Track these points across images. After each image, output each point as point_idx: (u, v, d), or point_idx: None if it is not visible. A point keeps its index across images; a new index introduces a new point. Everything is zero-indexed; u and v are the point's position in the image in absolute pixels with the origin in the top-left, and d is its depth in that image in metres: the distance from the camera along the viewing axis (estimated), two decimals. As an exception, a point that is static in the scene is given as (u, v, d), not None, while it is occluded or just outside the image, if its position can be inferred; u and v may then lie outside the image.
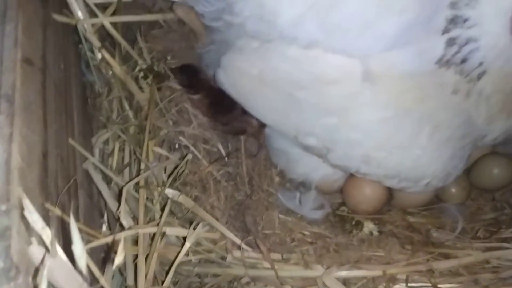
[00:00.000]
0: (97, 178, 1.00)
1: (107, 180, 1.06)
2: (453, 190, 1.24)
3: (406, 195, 1.20)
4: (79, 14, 1.12)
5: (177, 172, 1.04)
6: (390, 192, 1.22)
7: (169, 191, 0.98)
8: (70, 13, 1.14)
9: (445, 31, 0.90)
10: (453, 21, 0.89)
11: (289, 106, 1.01)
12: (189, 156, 1.06)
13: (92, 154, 1.09)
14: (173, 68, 1.21)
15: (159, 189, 0.99)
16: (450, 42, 0.90)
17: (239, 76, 1.05)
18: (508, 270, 0.96)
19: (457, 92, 0.93)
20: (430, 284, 0.94)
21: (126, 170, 1.09)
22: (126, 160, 1.11)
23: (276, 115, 1.06)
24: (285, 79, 0.99)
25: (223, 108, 1.17)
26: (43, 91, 0.80)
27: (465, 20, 0.88)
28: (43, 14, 0.98)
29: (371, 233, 1.16)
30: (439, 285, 0.93)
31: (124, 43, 1.19)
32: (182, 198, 1.01)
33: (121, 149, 1.13)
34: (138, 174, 1.06)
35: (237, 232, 1.04)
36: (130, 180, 0.96)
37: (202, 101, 1.19)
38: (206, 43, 1.21)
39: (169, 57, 1.26)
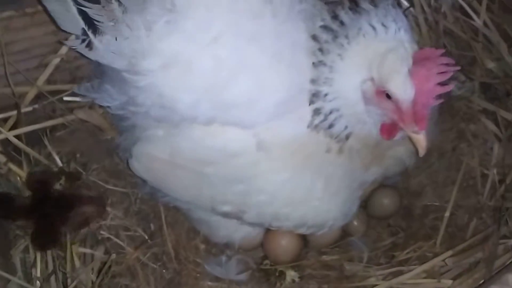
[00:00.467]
0: (24, 298, 1.02)
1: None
2: (355, 223, 1.42)
3: (319, 237, 1.35)
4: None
5: (105, 270, 1.09)
6: (304, 238, 1.36)
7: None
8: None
9: (311, 102, 1.06)
10: (316, 95, 1.05)
11: (201, 182, 1.11)
12: (113, 256, 1.11)
13: (15, 269, 1.10)
14: None
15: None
16: (316, 111, 1.05)
17: (151, 163, 1.13)
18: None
19: (330, 151, 1.08)
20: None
21: (53, 278, 1.11)
22: (50, 267, 1.14)
23: (191, 192, 1.16)
24: (192, 158, 1.09)
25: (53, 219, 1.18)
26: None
27: (325, 95, 1.04)
28: None
29: (293, 281, 1.30)
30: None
31: (32, 153, 1.22)
32: (112, 294, 1.07)
33: (43, 256, 1.15)
34: (65, 278, 1.10)
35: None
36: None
37: (28, 226, 1.19)
38: (119, 131, 1.29)
39: (78, 155, 1.31)
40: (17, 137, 1.23)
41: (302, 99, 1.06)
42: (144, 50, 0.96)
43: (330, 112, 1.05)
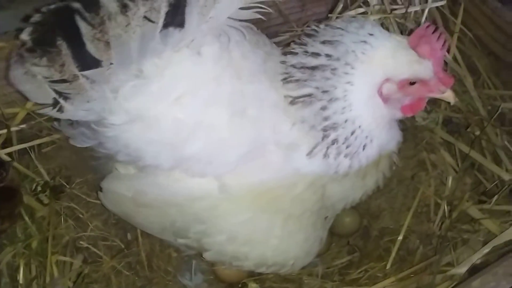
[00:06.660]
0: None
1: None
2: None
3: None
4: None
5: (80, 279, 1.23)
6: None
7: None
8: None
9: (324, 137, 1.10)
10: (331, 128, 1.10)
11: (164, 220, 1.19)
12: (86, 270, 1.25)
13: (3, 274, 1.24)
14: None
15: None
16: (333, 142, 1.11)
17: (118, 198, 1.22)
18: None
19: (338, 174, 1.15)
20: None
21: (35, 283, 1.26)
22: (33, 273, 1.28)
23: (155, 227, 1.26)
24: (156, 200, 1.17)
25: None
26: None
27: (346, 121, 1.10)
28: None
29: (255, 292, 1.42)
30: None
31: (21, 168, 1.36)
32: (88, 301, 1.21)
33: (27, 263, 1.29)
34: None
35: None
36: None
37: None
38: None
39: (63, 170, 1.43)
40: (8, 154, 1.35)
41: (269, 148, 1.13)
42: (111, 108, 1.03)
43: (352, 133, 1.12)
